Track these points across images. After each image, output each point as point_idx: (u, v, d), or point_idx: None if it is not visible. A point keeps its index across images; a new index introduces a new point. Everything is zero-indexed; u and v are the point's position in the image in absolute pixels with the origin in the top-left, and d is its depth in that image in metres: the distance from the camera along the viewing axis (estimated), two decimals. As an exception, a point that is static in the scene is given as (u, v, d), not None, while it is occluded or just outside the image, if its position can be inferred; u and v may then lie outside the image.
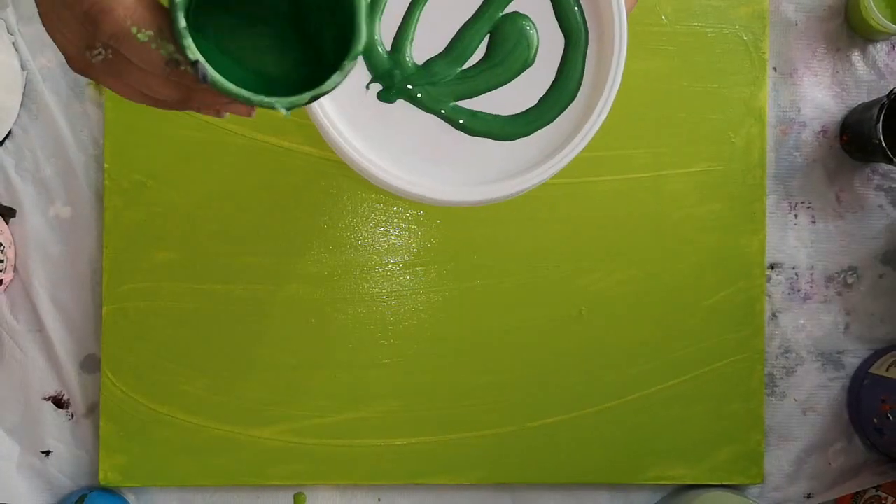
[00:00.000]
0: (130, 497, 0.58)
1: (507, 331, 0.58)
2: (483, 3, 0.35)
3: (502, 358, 0.58)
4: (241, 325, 0.57)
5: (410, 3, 0.35)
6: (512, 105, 0.36)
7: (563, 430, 0.58)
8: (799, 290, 0.60)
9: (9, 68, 0.56)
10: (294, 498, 0.58)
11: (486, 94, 0.36)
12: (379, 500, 0.59)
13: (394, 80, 0.35)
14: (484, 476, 0.58)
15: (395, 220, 0.58)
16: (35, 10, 0.58)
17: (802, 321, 0.60)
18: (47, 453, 0.58)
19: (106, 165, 0.57)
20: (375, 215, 0.58)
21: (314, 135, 0.57)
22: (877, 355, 0.59)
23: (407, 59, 0.35)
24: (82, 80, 0.58)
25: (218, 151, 0.57)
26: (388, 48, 0.35)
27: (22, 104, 0.58)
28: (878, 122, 0.54)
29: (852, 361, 0.60)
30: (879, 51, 0.60)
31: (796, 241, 0.60)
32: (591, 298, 0.58)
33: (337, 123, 0.34)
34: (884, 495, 0.56)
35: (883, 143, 0.54)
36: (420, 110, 0.35)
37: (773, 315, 0.60)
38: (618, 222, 0.58)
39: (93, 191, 0.58)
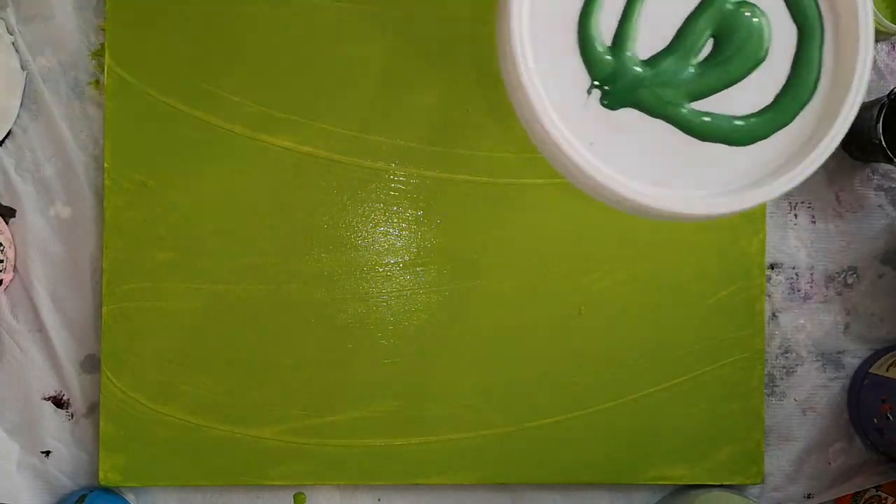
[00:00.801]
0: (130, 497, 0.58)
1: (507, 331, 0.58)
2: None
3: (502, 358, 0.58)
4: (241, 324, 0.57)
5: None
6: (743, 105, 0.32)
7: (563, 430, 0.58)
8: (799, 290, 0.60)
9: (8, 68, 0.56)
10: (294, 498, 0.58)
11: (715, 94, 0.32)
12: (379, 500, 0.59)
13: (618, 83, 0.31)
14: (484, 476, 0.58)
15: (395, 220, 0.58)
16: (35, 10, 0.59)
17: (802, 321, 0.60)
18: (47, 453, 0.58)
19: (106, 165, 0.57)
20: (375, 215, 0.58)
21: (314, 135, 0.57)
22: (877, 355, 0.59)
23: (630, 57, 0.31)
24: (82, 79, 0.58)
25: (218, 151, 0.57)
26: (609, 44, 0.32)
27: (22, 104, 0.58)
28: (877, 121, 0.54)
29: (852, 361, 0.60)
30: (879, 51, 0.60)
31: (796, 241, 0.60)
32: (591, 298, 0.58)
33: (569, 137, 0.30)
34: (884, 495, 0.56)
35: (883, 142, 0.54)
36: (647, 115, 0.32)
37: (773, 315, 0.60)
38: (618, 222, 0.58)
39: (93, 191, 0.58)
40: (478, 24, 0.58)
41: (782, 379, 0.60)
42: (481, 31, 0.58)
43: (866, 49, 0.31)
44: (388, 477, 0.58)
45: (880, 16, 0.56)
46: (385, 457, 0.58)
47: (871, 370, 0.58)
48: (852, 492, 0.58)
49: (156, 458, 0.57)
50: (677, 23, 0.31)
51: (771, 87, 0.32)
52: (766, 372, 0.59)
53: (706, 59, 0.32)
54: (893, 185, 0.60)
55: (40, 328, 0.58)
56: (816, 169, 0.32)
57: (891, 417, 0.56)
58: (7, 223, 0.57)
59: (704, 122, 0.32)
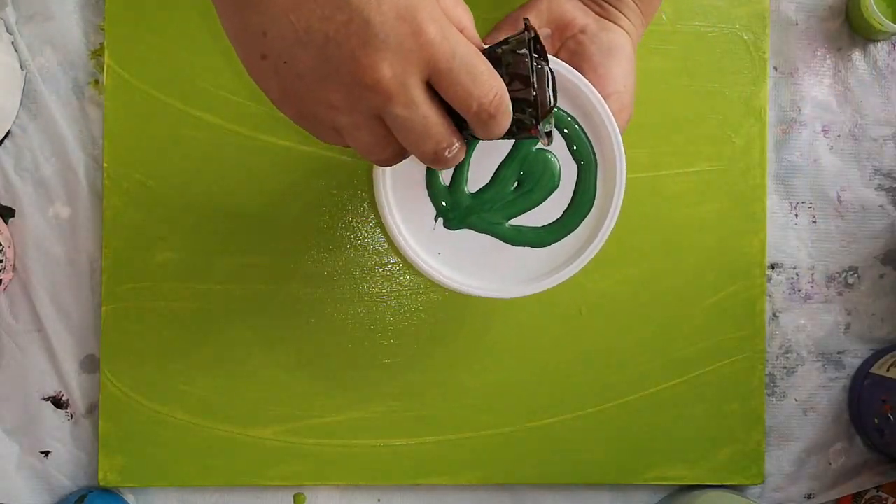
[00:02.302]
0: (130, 497, 0.58)
1: (507, 331, 0.58)
2: (513, 145, 0.45)
3: (502, 358, 0.58)
4: (241, 325, 0.57)
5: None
6: (543, 218, 0.45)
7: (563, 430, 0.58)
8: (799, 290, 0.60)
9: (8, 68, 0.56)
10: (294, 498, 0.58)
11: (524, 214, 0.45)
12: (378, 500, 0.59)
13: (457, 213, 0.45)
14: (484, 476, 0.58)
15: (395, 220, 0.58)
16: (35, 9, 0.58)
17: (803, 321, 0.60)
18: (47, 454, 0.58)
19: (105, 165, 0.57)
20: (375, 215, 0.58)
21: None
22: (877, 355, 0.59)
23: (463, 192, 0.45)
24: (82, 79, 0.58)
25: (218, 151, 0.57)
26: (448, 184, 0.45)
27: (21, 104, 0.57)
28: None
29: (853, 361, 0.60)
30: (880, 50, 0.60)
31: (797, 240, 0.60)
32: (591, 298, 0.58)
33: (412, 243, 0.45)
34: (884, 495, 0.56)
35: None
36: (476, 232, 0.45)
37: (774, 315, 0.60)
38: (618, 222, 0.58)
39: (92, 190, 0.58)
40: (477, 24, 0.58)
41: (783, 379, 0.60)
42: (481, 31, 0.58)
43: (621, 176, 0.45)
44: (388, 477, 0.58)
45: (881, 16, 0.56)
46: (385, 457, 0.58)
47: (872, 370, 0.58)
48: (853, 492, 0.58)
49: (155, 459, 0.57)
50: (493, 167, 0.45)
51: (561, 205, 0.45)
52: (766, 372, 0.59)
53: (515, 189, 0.45)
54: (894, 185, 0.60)
55: (40, 328, 0.58)
56: (588, 262, 0.45)
57: (891, 417, 0.55)
58: (6, 223, 0.57)
59: (517, 233, 0.45)
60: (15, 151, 0.58)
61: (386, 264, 0.58)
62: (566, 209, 0.45)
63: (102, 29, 0.58)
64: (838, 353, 0.60)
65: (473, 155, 0.45)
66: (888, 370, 0.57)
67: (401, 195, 0.44)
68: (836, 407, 0.60)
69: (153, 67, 0.57)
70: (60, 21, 0.58)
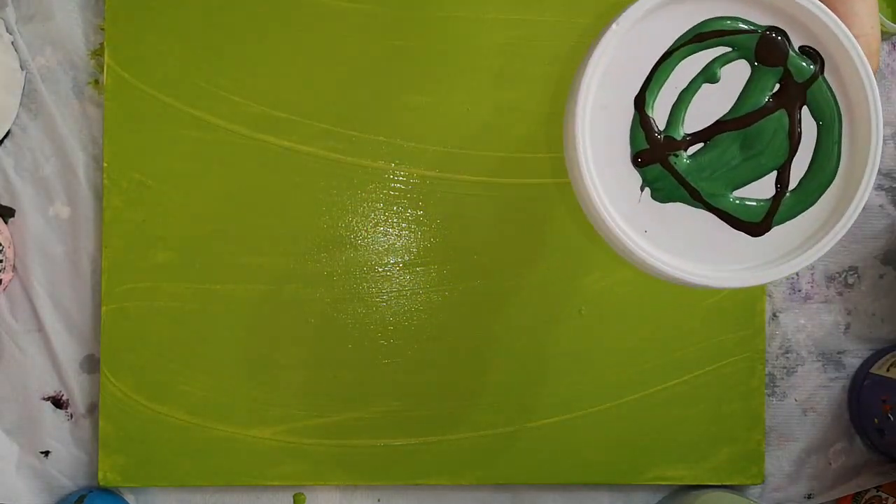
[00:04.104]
0: (130, 497, 0.58)
1: (507, 330, 0.58)
2: (739, 96, 0.37)
3: (502, 358, 0.58)
4: (241, 325, 0.57)
5: (677, 98, 0.37)
6: (767, 191, 0.38)
7: (563, 430, 0.58)
8: (799, 290, 0.60)
9: (7, 68, 0.56)
10: (294, 498, 0.58)
11: (750, 184, 0.37)
12: (378, 500, 0.59)
13: (667, 181, 0.37)
14: (484, 476, 0.58)
15: (395, 220, 0.58)
16: (35, 9, 0.59)
17: (803, 321, 0.60)
18: (46, 453, 0.58)
19: (105, 165, 0.57)
20: (375, 215, 0.58)
21: (314, 135, 0.57)
22: (878, 355, 0.59)
23: (680, 156, 0.37)
24: (82, 79, 0.58)
25: (218, 151, 0.57)
26: (659, 131, 0.38)
27: (21, 104, 0.57)
28: None
29: (853, 361, 0.60)
30: (880, 50, 0.60)
31: (797, 240, 0.60)
32: (591, 298, 0.58)
33: (623, 226, 0.37)
34: (885, 496, 0.56)
35: None
36: (690, 206, 0.37)
37: (774, 315, 0.60)
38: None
39: (92, 190, 0.58)
40: (478, 24, 0.58)
41: (783, 379, 0.60)
42: (481, 31, 0.58)
43: (878, 136, 0.36)
44: (388, 477, 0.58)
45: (881, 16, 0.56)
46: (385, 457, 0.58)
47: (872, 370, 0.58)
48: (853, 492, 0.58)
49: (155, 459, 0.57)
50: (711, 121, 0.37)
51: (797, 174, 0.37)
52: (766, 372, 0.59)
53: (741, 153, 0.37)
54: (894, 185, 0.60)
55: (39, 328, 0.58)
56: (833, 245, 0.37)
57: (891, 418, 0.55)
58: (6, 223, 0.57)
59: (743, 206, 0.37)
60: (15, 151, 0.58)
61: (386, 264, 0.58)
62: (802, 179, 0.37)
63: (102, 29, 0.58)
64: (838, 353, 0.60)
65: (693, 108, 0.38)
66: (888, 370, 0.57)
67: (600, 161, 0.37)
68: (836, 407, 0.60)
69: (153, 67, 0.57)
70: (60, 21, 0.58)
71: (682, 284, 0.37)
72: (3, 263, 0.56)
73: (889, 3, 0.58)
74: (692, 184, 0.37)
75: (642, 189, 0.37)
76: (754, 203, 0.38)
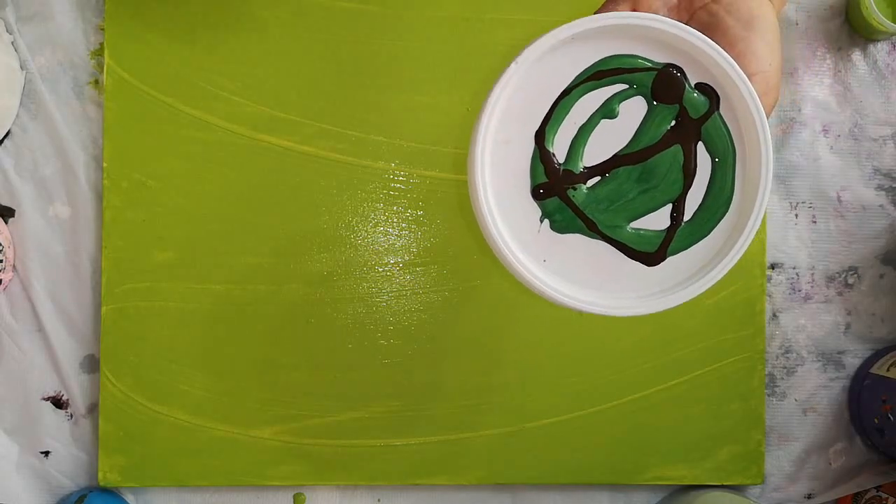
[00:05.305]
0: (130, 497, 0.58)
1: (507, 331, 0.58)
2: (637, 131, 0.38)
3: (502, 358, 0.58)
4: (241, 325, 0.57)
5: (577, 133, 0.39)
6: (662, 222, 0.39)
7: (563, 430, 0.58)
8: (800, 290, 0.60)
9: (8, 68, 0.56)
10: (294, 498, 0.58)
11: (646, 216, 0.39)
12: (378, 500, 0.59)
13: (566, 213, 0.38)
14: (484, 476, 0.58)
15: (395, 220, 0.58)
16: (35, 9, 0.58)
17: (803, 321, 0.60)
18: (46, 453, 0.58)
19: (105, 165, 0.57)
20: (375, 215, 0.58)
21: (314, 135, 0.57)
22: (877, 355, 0.59)
23: (579, 189, 0.38)
24: (82, 79, 0.58)
25: (218, 151, 0.57)
26: (559, 164, 0.38)
27: (21, 104, 0.57)
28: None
29: (853, 361, 0.60)
30: (880, 50, 0.60)
31: (797, 240, 0.60)
32: (592, 298, 0.58)
33: (513, 248, 0.38)
34: (885, 495, 0.56)
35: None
36: (587, 237, 0.39)
37: (774, 315, 0.60)
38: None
39: (92, 190, 0.58)
40: (478, 24, 0.58)
41: (783, 379, 0.60)
42: (481, 31, 0.58)
43: (767, 172, 0.37)
44: (388, 477, 0.58)
45: (881, 16, 0.56)
46: (385, 457, 0.58)
47: (872, 370, 0.58)
48: (853, 492, 0.58)
49: (155, 459, 0.57)
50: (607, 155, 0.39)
51: (691, 207, 0.38)
52: (766, 372, 0.59)
53: (637, 186, 0.38)
54: (894, 185, 0.60)
55: (39, 328, 0.58)
56: (727, 272, 0.38)
57: (891, 417, 0.55)
58: (6, 223, 0.57)
59: (639, 237, 0.38)
60: (15, 151, 0.58)
61: (386, 264, 0.58)
62: (696, 211, 0.39)
63: (102, 29, 0.58)
64: (838, 353, 0.60)
65: (590, 142, 0.39)
66: (888, 370, 0.57)
67: (501, 193, 0.38)
68: (836, 407, 0.60)
69: (153, 67, 0.57)
70: (60, 21, 0.58)
71: (577, 311, 0.39)
72: (3, 263, 0.56)
73: (889, 4, 0.58)
74: (589, 216, 0.38)
75: (542, 220, 0.39)
76: (650, 234, 0.39)
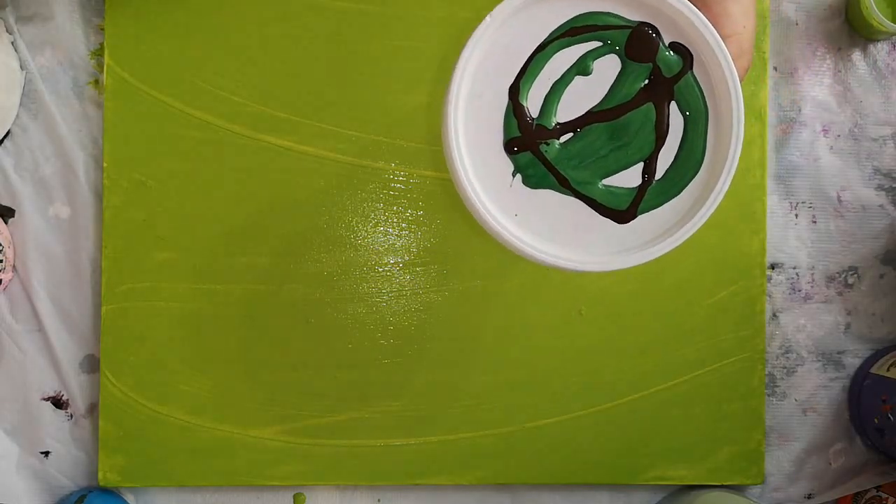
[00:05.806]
0: (130, 497, 0.58)
1: (507, 331, 0.58)
2: (610, 88, 0.39)
3: (502, 358, 0.58)
4: (241, 325, 0.57)
5: (551, 88, 0.39)
6: (634, 180, 0.39)
7: (564, 430, 0.58)
8: (799, 290, 0.60)
9: (7, 68, 0.56)
10: (294, 498, 0.58)
11: (619, 173, 0.39)
12: (378, 500, 0.59)
13: (538, 168, 0.39)
14: (484, 476, 0.58)
15: (395, 220, 0.58)
16: (35, 9, 0.58)
17: (803, 321, 0.60)
18: (46, 454, 0.58)
19: (105, 165, 0.57)
20: (375, 215, 0.58)
21: (314, 135, 0.57)
22: (878, 355, 0.59)
23: (552, 144, 0.39)
24: (82, 79, 0.58)
25: (218, 151, 0.57)
26: (532, 118, 0.39)
27: (21, 104, 0.57)
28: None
29: (853, 361, 0.60)
30: (880, 50, 0.60)
31: (797, 240, 0.60)
32: (591, 298, 0.58)
33: (485, 201, 0.39)
34: (885, 496, 0.56)
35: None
36: (559, 193, 0.39)
37: (774, 315, 0.60)
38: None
39: (92, 190, 0.58)
40: (478, 24, 0.58)
41: (783, 379, 0.60)
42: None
43: (738, 132, 0.38)
44: (388, 477, 0.58)
45: (881, 16, 0.56)
46: (385, 457, 0.58)
47: (872, 370, 0.58)
48: (853, 492, 0.58)
49: (155, 459, 0.57)
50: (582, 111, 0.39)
51: (663, 166, 0.39)
52: (766, 372, 0.59)
53: (610, 143, 0.39)
54: (894, 185, 0.60)
55: (39, 328, 0.58)
56: (695, 232, 0.38)
57: (891, 417, 0.55)
58: (6, 223, 0.57)
59: (610, 194, 0.39)
60: (15, 151, 0.58)
61: (386, 264, 0.58)
62: (667, 170, 0.39)
63: (102, 29, 0.58)
64: (838, 353, 0.60)
65: (564, 99, 0.39)
66: (888, 370, 0.57)
67: (474, 147, 0.38)
68: (836, 407, 0.60)
69: (153, 67, 0.57)
70: (60, 21, 0.58)
71: (547, 266, 0.39)
72: (3, 263, 0.56)
73: (889, 4, 0.58)
74: (561, 171, 0.39)
75: (514, 175, 0.39)
76: (621, 191, 0.39)
